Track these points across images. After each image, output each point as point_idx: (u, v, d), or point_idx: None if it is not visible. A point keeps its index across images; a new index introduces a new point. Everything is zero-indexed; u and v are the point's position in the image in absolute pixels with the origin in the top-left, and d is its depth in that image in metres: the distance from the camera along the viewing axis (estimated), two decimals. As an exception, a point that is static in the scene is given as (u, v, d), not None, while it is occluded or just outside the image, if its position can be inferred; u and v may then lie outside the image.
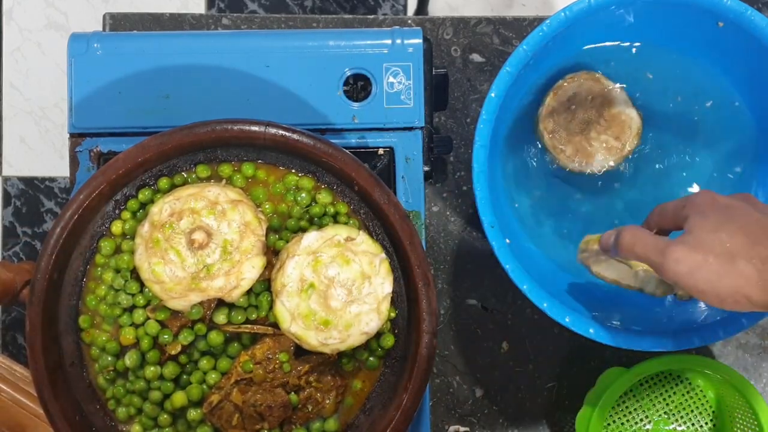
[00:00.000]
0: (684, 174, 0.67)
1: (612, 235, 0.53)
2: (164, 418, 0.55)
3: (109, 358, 0.55)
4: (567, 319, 0.58)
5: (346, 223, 0.56)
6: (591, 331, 0.58)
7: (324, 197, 0.56)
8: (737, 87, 0.65)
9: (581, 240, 0.60)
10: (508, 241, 0.58)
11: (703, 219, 0.48)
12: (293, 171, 0.57)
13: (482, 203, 0.58)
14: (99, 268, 0.56)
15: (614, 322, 0.60)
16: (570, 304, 0.60)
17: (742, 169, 0.66)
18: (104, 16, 0.73)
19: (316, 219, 0.56)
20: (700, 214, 0.49)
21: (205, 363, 0.55)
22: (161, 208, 0.54)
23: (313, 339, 0.53)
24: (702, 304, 0.62)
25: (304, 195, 0.56)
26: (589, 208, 0.67)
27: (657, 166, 0.67)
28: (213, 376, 0.55)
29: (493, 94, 0.57)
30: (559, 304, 0.58)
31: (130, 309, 0.55)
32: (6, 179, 1.52)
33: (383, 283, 0.53)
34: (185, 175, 0.57)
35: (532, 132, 0.67)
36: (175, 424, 0.55)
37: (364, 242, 0.54)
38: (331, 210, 0.56)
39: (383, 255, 0.54)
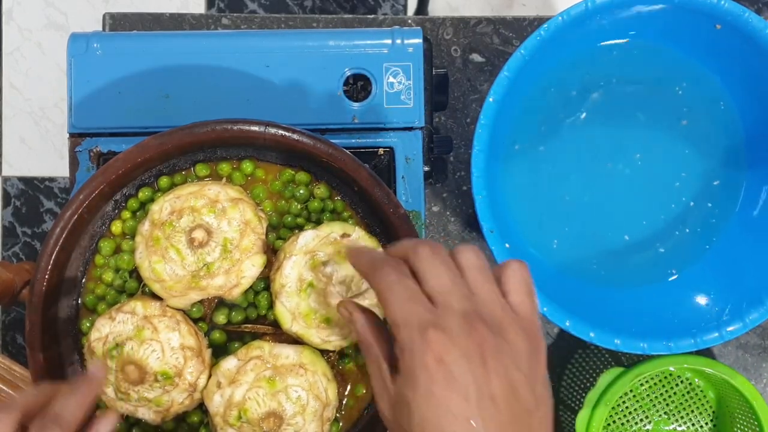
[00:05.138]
0: (670, 174, 0.67)
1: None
2: (164, 418, 0.55)
3: (109, 358, 0.55)
4: (567, 323, 0.58)
5: (347, 220, 0.56)
6: (591, 335, 0.58)
7: (322, 191, 0.56)
8: (730, 89, 0.65)
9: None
10: (507, 245, 0.58)
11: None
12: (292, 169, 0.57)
13: (481, 208, 0.57)
14: (99, 269, 0.56)
15: (614, 325, 0.60)
16: (571, 307, 0.60)
17: (730, 175, 0.66)
18: (104, 16, 0.73)
19: (313, 215, 0.56)
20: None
21: (205, 363, 0.55)
22: (161, 207, 0.54)
23: (314, 337, 0.53)
24: (703, 306, 0.62)
25: (302, 191, 0.56)
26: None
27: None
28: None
29: (491, 99, 0.57)
30: (559, 308, 0.58)
31: (130, 309, 0.55)
32: (6, 179, 1.52)
33: None
34: (185, 174, 0.57)
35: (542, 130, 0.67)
36: (175, 428, 0.55)
37: (360, 238, 0.54)
38: (330, 205, 0.56)
39: (380, 250, 0.54)
